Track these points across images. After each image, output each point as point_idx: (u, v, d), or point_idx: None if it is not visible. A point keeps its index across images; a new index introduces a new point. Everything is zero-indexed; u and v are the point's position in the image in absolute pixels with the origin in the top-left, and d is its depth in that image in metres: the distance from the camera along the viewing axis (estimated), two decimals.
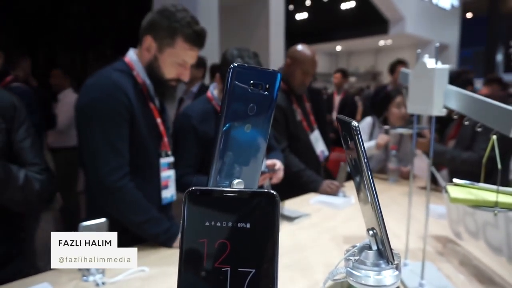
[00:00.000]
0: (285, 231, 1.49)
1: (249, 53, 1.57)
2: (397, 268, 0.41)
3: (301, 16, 13.36)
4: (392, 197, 2.00)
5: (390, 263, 0.40)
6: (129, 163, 1.23)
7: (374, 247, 0.41)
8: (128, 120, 1.21)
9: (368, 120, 2.61)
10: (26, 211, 1.17)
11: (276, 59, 6.58)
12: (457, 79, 2.17)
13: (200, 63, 3.51)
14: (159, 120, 1.35)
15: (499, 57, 7.07)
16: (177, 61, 1.28)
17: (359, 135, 0.37)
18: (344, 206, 1.79)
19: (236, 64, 0.37)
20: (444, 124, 2.97)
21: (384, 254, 0.40)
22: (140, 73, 1.30)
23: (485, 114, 0.77)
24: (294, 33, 12.60)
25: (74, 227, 2.79)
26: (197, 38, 1.27)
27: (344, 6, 12.15)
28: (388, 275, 0.40)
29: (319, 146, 2.35)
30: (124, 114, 1.20)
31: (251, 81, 0.42)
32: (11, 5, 5.73)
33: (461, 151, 2.05)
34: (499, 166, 0.73)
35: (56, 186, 1.22)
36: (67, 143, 3.34)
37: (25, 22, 5.93)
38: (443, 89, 0.90)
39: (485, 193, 0.83)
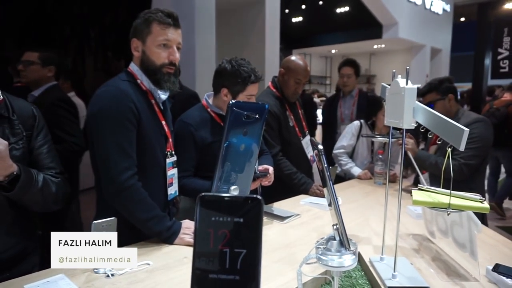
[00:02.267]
0: (276, 229, 1.63)
1: (244, 61, 1.71)
2: (354, 253, 0.54)
3: (297, 19, 13.52)
4: (377, 198, 2.15)
5: (348, 249, 0.53)
6: (137, 164, 1.35)
7: (337, 238, 0.55)
8: (136, 125, 1.34)
9: (356, 123, 2.77)
10: (43, 210, 1.29)
11: (271, 62, 6.71)
12: (439, 86, 2.30)
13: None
14: (164, 123, 1.48)
15: (487, 63, 7.27)
16: (159, 44, 1.37)
17: (323, 155, 0.50)
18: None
19: (234, 101, 0.51)
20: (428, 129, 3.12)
21: (344, 243, 0.54)
22: (144, 81, 1.42)
23: (442, 129, 0.91)
24: (290, 36, 12.77)
25: (75, 225, 2.90)
26: (168, 17, 1.37)
27: (339, 10, 12.32)
28: (347, 259, 0.53)
29: (311, 150, 2.49)
30: (131, 119, 1.32)
31: (245, 112, 0.55)
32: (9, 7, 5.81)
33: (442, 158, 2.20)
34: (452, 174, 0.86)
35: (70, 188, 1.35)
36: None
37: (24, 24, 6.01)
38: (412, 105, 1.04)
39: (441, 196, 0.97)
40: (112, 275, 1.17)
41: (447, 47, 13.48)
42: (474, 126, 2.09)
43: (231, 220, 0.42)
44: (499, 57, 7.30)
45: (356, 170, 2.66)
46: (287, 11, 12.55)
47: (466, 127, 2.16)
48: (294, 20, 13.57)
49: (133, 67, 1.44)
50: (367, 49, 13.87)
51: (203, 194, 0.43)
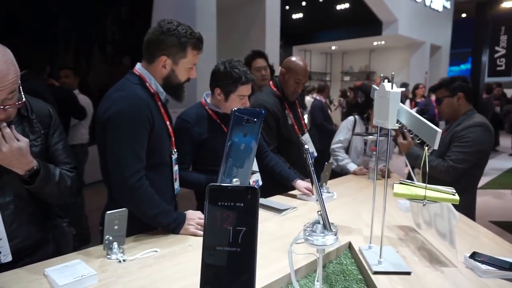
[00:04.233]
0: (274, 221, 1.74)
1: (238, 63, 1.84)
2: (335, 234, 0.65)
3: (297, 16, 13.57)
4: (370, 193, 2.22)
5: (329, 231, 0.64)
6: (148, 162, 1.46)
7: (321, 222, 0.66)
8: (149, 130, 1.45)
9: (351, 118, 2.90)
10: (59, 202, 1.40)
11: (271, 59, 6.79)
12: (450, 83, 2.29)
13: None
14: (168, 123, 1.60)
15: (485, 61, 7.36)
16: (189, 67, 1.55)
17: (308, 154, 0.61)
18: (326, 200, 2.04)
19: (236, 108, 0.62)
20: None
21: (326, 226, 0.65)
22: (152, 84, 1.53)
23: (420, 129, 1.02)
24: (290, 32, 12.84)
25: (79, 218, 3.05)
26: (201, 43, 1.55)
27: (339, 7, 12.38)
28: (329, 238, 0.64)
29: (309, 148, 2.60)
30: (146, 125, 1.43)
31: (245, 117, 0.66)
32: (12, 5, 5.87)
33: (434, 157, 2.26)
34: (427, 170, 0.97)
35: (83, 182, 1.45)
36: (71, 141, 3.57)
37: (26, 20, 6.08)
38: (396, 108, 1.14)
39: (418, 189, 1.09)
40: (124, 260, 1.28)
41: (447, 44, 13.55)
42: (471, 130, 2.11)
43: (233, 204, 0.53)
44: (496, 55, 7.40)
45: (352, 166, 2.77)
46: (287, 7, 12.61)
47: (464, 129, 2.21)
48: (294, 16, 13.62)
49: (142, 70, 1.53)
50: (367, 46, 13.94)
51: (211, 184, 0.54)
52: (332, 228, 0.65)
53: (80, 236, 3.40)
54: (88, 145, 3.84)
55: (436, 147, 0.96)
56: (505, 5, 7.11)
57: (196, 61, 1.57)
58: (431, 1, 12.33)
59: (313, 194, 2.05)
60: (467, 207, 2.18)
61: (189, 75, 1.58)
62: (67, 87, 3.70)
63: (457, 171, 2.11)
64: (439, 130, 0.93)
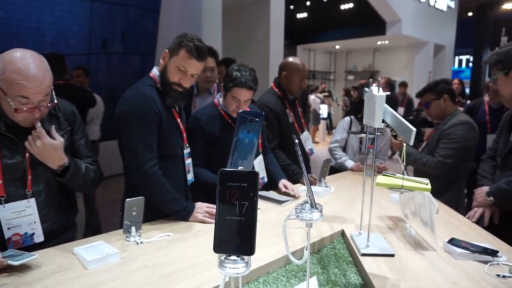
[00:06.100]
0: (275, 211, 1.90)
1: (245, 68, 1.96)
2: (320, 211, 0.81)
3: (301, 15, 13.68)
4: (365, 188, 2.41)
5: (315, 208, 0.80)
6: (160, 154, 1.63)
7: (309, 202, 0.82)
8: (157, 123, 1.62)
9: (347, 119, 3.06)
10: (83, 192, 1.57)
11: (275, 58, 6.95)
12: (435, 87, 2.45)
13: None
14: (179, 120, 1.76)
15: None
16: (178, 67, 1.61)
17: (298, 147, 0.77)
18: (324, 194, 2.21)
19: (241, 111, 0.78)
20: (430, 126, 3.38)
21: (313, 205, 0.81)
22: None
23: (399, 127, 1.17)
24: (295, 31, 12.96)
25: (90, 211, 3.24)
26: (195, 51, 1.60)
27: (343, 6, 12.47)
28: (315, 214, 0.80)
29: (308, 145, 2.76)
30: (154, 119, 1.60)
31: (249, 117, 0.82)
32: None
33: (424, 154, 2.41)
34: (405, 164, 1.13)
35: (103, 174, 1.62)
36: None
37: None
38: (382, 109, 1.30)
39: (397, 180, 1.24)
40: (141, 242, 1.45)
41: (451, 43, 13.59)
42: (457, 128, 2.27)
43: (239, 185, 0.70)
44: None
45: (350, 163, 2.93)
46: (292, 7, 12.73)
47: (451, 127, 2.37)
48: (298, 16, 13.73)
49: (155, 73, 1.70)
50: (370, 45, 14.00)
51: (222, 169, 0.70)
52: (317, 206, 0.81)
53: (92, 228, 3.60)
54: (99, 141, 4.01)
55: (411, 143, 1.12)
56: (505, 6, 7.20)
57: (188, 67, 1.61)
58: (435, 1, 12.36)
59: (293, 193, 2.13)
60: (456, 199, 2.35)
61: (180, 79, 1.63)
62: (79, 85, 3.88)
63: (446, 165, 2.27)
64: (414, 129, 1.09)
